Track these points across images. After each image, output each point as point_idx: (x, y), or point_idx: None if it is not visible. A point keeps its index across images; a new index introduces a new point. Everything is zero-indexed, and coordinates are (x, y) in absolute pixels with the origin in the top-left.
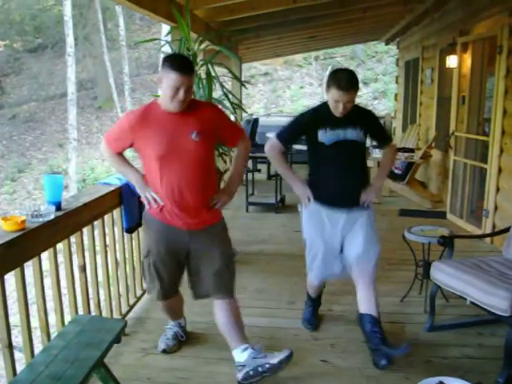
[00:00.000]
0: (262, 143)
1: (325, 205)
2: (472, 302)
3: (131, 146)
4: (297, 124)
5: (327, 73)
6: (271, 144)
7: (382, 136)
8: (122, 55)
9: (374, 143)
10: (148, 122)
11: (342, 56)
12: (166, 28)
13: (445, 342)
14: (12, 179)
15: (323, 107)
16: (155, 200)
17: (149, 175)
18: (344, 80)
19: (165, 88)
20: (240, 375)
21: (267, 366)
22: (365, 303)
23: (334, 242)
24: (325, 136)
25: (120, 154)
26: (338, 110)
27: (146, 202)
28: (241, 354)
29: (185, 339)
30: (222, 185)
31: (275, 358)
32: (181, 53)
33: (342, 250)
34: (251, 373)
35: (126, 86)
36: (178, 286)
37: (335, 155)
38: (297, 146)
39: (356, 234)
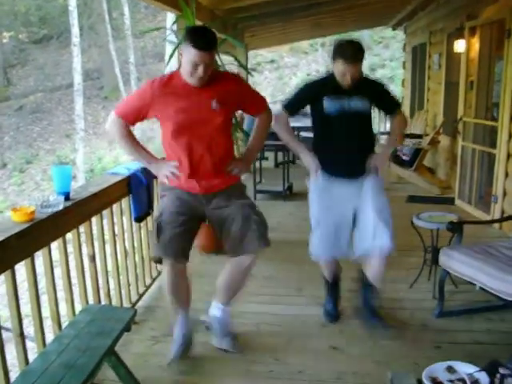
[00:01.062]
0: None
1: (332, 176)
2: (481, 288)
3: (145, 117)
4: (303, 91)
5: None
6: (277, 115)
7: (390, 104)
8: (128, 44)
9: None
10: (169, 91)
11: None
12: (171, 16)
13: (454, 327)
14: (20, 170)
15: (329, 78)
16: (173, 173)
17: (168, 142)
18: (349, 52)
19: (184, 62)
20: (202, 318)
21: (214, 335)
22: (371, 275)
23: (345, 216)
24: (331, 105)
25: (131, 134)
26: (345, 81)
27: (164, 179)
28: (214, 309)
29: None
30: None
31: (221, 342)
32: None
33: (354, 223)
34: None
35: (131, 75)
36: (183, 251)
37: (341, 125)
38: (303, 134)
39: (367, 210)
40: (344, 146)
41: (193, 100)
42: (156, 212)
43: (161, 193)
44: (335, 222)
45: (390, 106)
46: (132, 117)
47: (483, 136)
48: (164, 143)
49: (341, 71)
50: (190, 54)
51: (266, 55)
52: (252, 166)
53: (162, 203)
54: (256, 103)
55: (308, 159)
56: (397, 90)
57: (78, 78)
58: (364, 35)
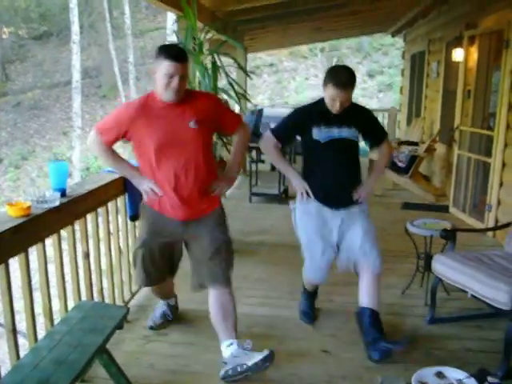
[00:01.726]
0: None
1: (320, 203)
2: (473, 295)
3: (123, 137)
4: (292, 122)
5: (333, 64)
6: (266, 138)
7: (378, 133)
8: (128, 44)
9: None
10: (146, 113)
11: (348, 48)
12: (171, 17)
13: (445, 334)
14: (16, 166)
15: (319, 104)
16: (153, 190)
17: (146, 166)
18: (341, 78)
19: (159, 77)
20: (221, 372)
21: (245, 366)
22: (366, 296)
23: (331, 240)
24: (320, 133)
25: (111, 148)
26: (334, 107)
27: (144, 194)
28: (225, 350)
29: (172, 319)
30: None
31: (252, 359)
32: (185, 42)
33: (338, 249)
34: (230, 372)
35: (130, 74)
36: (164, 276)
37: (329, 153)
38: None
39: (355, 227)
40: (332, 173)
41: (170, 120)
42: (138, 236)
43: (142, 213)
44: (323, 247)
45: (377, 135)
46: (110, 136)
47: (479, 145)
48: (144, 170)
49: (331, 96)
50: (163, 67)
51: (266, 58)
52: (247, 169)
53: (143, 229)
54: (232, 120)
55: (297, 182)
56: (395, 96)
57: (76, 76)
58: (363, 42)
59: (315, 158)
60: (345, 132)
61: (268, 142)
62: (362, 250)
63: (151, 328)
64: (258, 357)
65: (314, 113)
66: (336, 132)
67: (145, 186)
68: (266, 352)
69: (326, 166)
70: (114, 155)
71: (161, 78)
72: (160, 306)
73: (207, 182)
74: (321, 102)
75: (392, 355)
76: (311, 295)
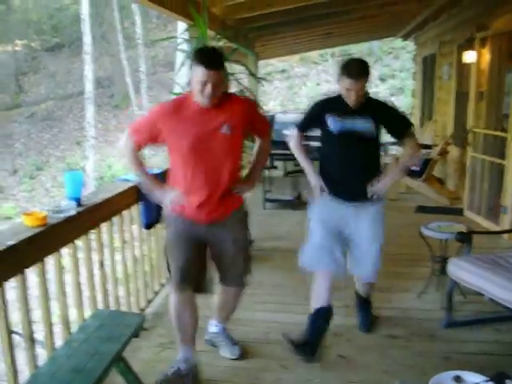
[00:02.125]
0: (278, 140)
1: (331, 195)
2: (490, 298)
3: (155, 140)
4: (311, 109)
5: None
6: (291, 134)
7: (399, 126)
8: (139, 53)
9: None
10: (179, 115)
11: (359, 53)
12: (182, 26)
13: (462, 338)
14: (30, 177)
15: (337, 97)
16: (177, 198)
17: (175, 168)
18: (354, 68)
19: (193, 82)
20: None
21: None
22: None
23: (339, 233)
24: (333, 123)
25: (139, 155)
26: (350, 98)
27: (167, 204)
28: (211, 327)
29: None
30: None
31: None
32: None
33: (346, 244)
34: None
35: (142, 84)
36: (196, 277)
37: (341, 144)
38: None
39: (361, 229)
40: (344, 166)
41: (203, 124)
42: (166, 243)
43: (166, 222)
44: (330, 235)
45: (398, 127)
46: (142, 137)
47: (493, 147)
48: (172, 169)
49: (345, 87)
50: (198, 72)
51: (277, 65)
52: (262, 175)
53: (168, 233)
54: (262, 126)
55: (312, 180)
56: (406, 100)
57: (89, 86)
58: (373, 46)
59: (329, 149)
60: (359, 124)
61: (294, 138)
62: (360, 262)
63: None
64: (234, 352)
65: (330, 103)
66: (349, 123)
67: (168, 198)
68: (236, 352)
69: (339, 159)
70: (141, 163)
71: (195, 84)
72: (176, 363)
73: (232, 185)
74: (339, 95)
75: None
76: (319, 318)
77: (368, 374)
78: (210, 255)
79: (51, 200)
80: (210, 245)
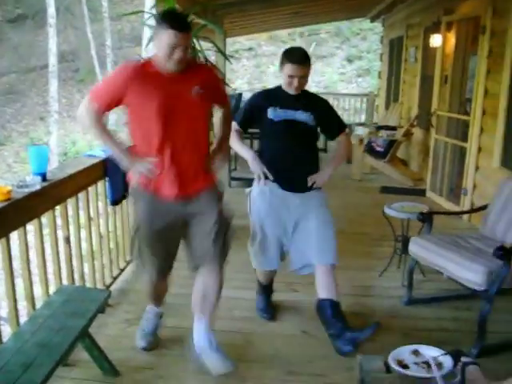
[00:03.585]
0: None
1: (274, 183)
2: (449, 277)
3: (118, 103)
4: (249, 104)
5: (311, 49)
6: (232, 129)
7: (334, 124)
8: (105, 27)
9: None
10: (145, 80)
11: (327, 32)
12: (149, 0)
13: (422, 315)
14: None
15: (276, 89)
16: (149, 169)
17: (141, 138)
18: (297, 54)
19: (160, 46)
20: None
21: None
22: (324, 288)
23: (285, 225)
24: (274, 113)
25: (102, 121)
26: (292, 85)
27: (136, 175)
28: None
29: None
30: None
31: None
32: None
33: (291, 235)
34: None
35: (108, 58)
36: (171, 264)
37: (283, 133)
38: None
39: (309, 217)
40: (284, 154)
41: (171, 88)
42: (133, 223)
43: (133, 198)
44: (274, 232)
45: (335, 125)
46: (106, 103)
47: (456, 130)
48: (135, 137)
49: (288, 74)
50: (166, 37)
51: (244, 43)
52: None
53: (138, 214)
54: (224, 95)
55: (254, 163)
56: (373, 81)
57: (53, 60)
58: (342, 27)
59: (269, 138)
60: (299, 114)
61: (233, 133)
62: (317, 242)
63: (145, 349)
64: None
65: (271, 95)
66: (290, 114)
67: (139, 166)
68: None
69: (279, 146)
70: (105, 131)
71: (163, 48)
72: (149, 318)
73: (204, 155)
74: (279, 87)
75: (361, 344)
76: (266, 289)
77: (330, 350)
78: (186, 237)
79: (14, 176)
80: (187, 223)
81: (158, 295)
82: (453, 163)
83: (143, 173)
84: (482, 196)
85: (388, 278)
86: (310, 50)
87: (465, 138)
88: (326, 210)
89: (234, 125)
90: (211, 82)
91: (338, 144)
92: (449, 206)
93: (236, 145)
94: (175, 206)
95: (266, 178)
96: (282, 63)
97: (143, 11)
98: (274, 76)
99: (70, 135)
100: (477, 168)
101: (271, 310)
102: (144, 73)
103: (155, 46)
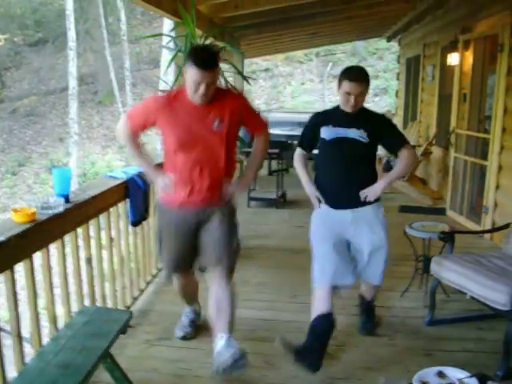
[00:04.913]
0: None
1: (328, 204)
2: (472, 297)
3: (151, 125)
4: (308, 125)
5: (328, 69)
6: (295, 153)
7: (394, 140)
8: (123, 50)
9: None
10: (173, 108)
11: (343, 53)
12: (167, 23)
13: (444, 335)
14: (12, 173)
15: (332, 108)
16: (166, 184)
17: (167, 158)
18: (355, 72)
19: (187, 81)
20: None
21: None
22: (367, 293)
23: (342, 243)
24: (327, 132)
25: (136, 138)
26: (349, 103)
27: (159, 189)
28: (218, 343)
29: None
30: None
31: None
32: (185, 49)
33: (350, 252)
34: (217, 370)
35: (126, 80)
36: (191, 263)
37: (335, 153)
38: None
39: (364, 240)
40: (337, 174)
41: (195, 118)
42: (156, 227)
43: (157, 207)
44: (333, 250)
45: (394, 141)
46: (138, 124)
47: (475, 148)
48: (164, 157)
49: (345, 91)
50: (191, 72)
51: (261, 64)
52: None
53: (159, 222)
54: (257, 124)
55: (307, 188)
56: (390, 100)
57: (73, 82)
58: (358, 46)
59: (323, 158)
60: (352, 133)
61: (296, 155)
62: (367, 267)
63: (183, 338)
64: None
65: (326, 114)
66: (343, 131)
67: (160, 181)
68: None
69: (331, 165)
70: (137, 146)
71: (189, 83)
72: (187, 314)
73: (222, 178)
74: (337, 106)
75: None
76: (321, 336)
77: (352, 371)
78: (198, 241)
79: (34, 197)
80: (200, 228)
81: (188, 295)
82: (473, 182)
83: (162, 186)
84: (503, 214)
85: (409, 299)
86: (327, 70)
87: (484, 156)
88: (380, 228)
89: (297, 151)
90: (237, 112)
91: (398, 159)
92: (470, 224)
93: (298, 167)
94: (190, 215)
95: (319, 201)
96: (340, 81)
97: (163, 34)
98: (291, 96)
99: (89, 156)
100: (497, 186)
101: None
102: (173, 103)
103: (185, 78)
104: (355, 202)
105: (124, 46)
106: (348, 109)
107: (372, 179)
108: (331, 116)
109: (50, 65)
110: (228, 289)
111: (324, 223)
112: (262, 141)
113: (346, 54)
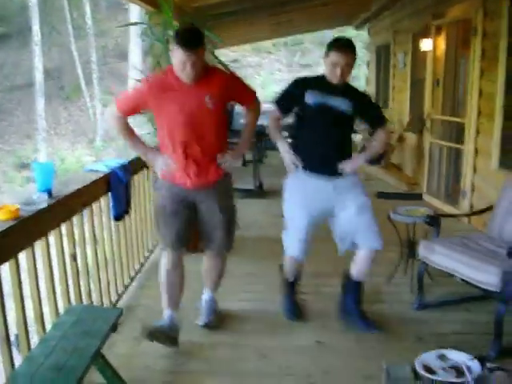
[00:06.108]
0: (236, 129)
1: (307, 171)
2: (462, 279)
3: (143, 108)
4: (290, 86)
5: (296, 58)
6: (270, 114)
7: (374, 117)
8: (90, 44)
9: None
10: (165, 88)
11: (311, 43)
12: (134, 16)
13: (434, 319)
14: None
15: (319, 76)
16: (167, 166)
17: (162, 138)
18: (342, 43)
19: (174, 62)
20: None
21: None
22: (360, 272)
23: (318, 213)
24: (312, 97)
25: (127, 124)
26: (335, 73)
27: (158, 170)
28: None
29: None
30: None
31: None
32: (161, 36)
33: (331, 221)
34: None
35: (94, 74)
36: (186, 239)
37: (319, 119)
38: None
39: (347, 203)
40: (320, 140)
41: (187, 96)
42: (154, 206)
43: (155, 186)
44: (309, 221)
45: (374, 118)
46: (130, 109)
47: (450, 132)
48: (159, 136)
49: (332, 62)
50: (177, 53)
51: (229, 54)
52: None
53: (157, 199)
54: (246, 96)
55: (285, 154)
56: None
57: (39, 77)
58: (326, 35)
59: (304, 123)
60: (338, 102)
61: (271, 116)
62: (360, 227)
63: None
64: (206, 320)
65: (311, 80)
66: (329, 100)
67: (159, 162)
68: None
69: (314, 132)
70: (131, 133)
71: (175, 63)
72: (164, 319)
73: (216, 153)
74: (321, 75)
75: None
76: (292, 287)
77: (346, 359)
78: (196, 219)
79: (3, 196)
80: (198, 209)
81: (173, 285)
82: (449, 166)
83: (163, 168)
84: (481, 198)
85: (396, 284)
86: (296, 60)
87: (460, 141)
88: (363, 195)
89: (273, 111)
90: (226, 87)
91: (377, 136)
92: (447, 208)
93: (272, 130)
94: (188, 192)
95: (296, 166)
96: (327, 52)
97: (138, 23)
98: (261, 87)
99: (57, 152)
100: (475, 170)
101: (297, 310)
102: (164, 83)
103: (172, 59)
104: (335, 171)
105: (90, 39)
106: (335, 80)
107: (349, 145)
108: (317, 83)
109: (15, 60)
110: (220, 261)
111: (300, 191)
112: (253, 112)
113: (314, 43)
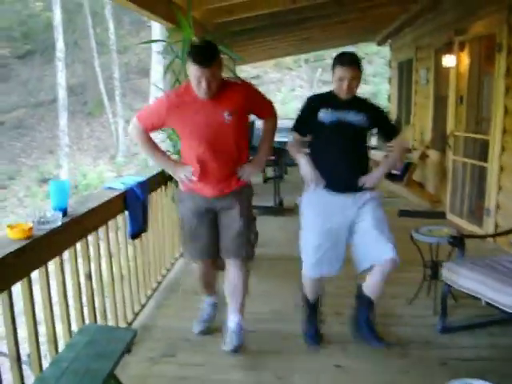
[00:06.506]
0: (256, 145)
1: (325, 189)
2: (487, 302)
3: (161, 126)
4: (303, 109)
5: (317, 75)
6: (290, 139)
7: (389, 128)
8: (112, 60)
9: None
10: (183, 105)
11: (332, 58)
12: (156, 32)
13: (458, 343)
14: (2, 186)
15: (328, 93)
16: (187, 177)
17: (184, 152)
18: (346, 57)
19: (190, 78)
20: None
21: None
22: (371, 286)
23: (338, 230)
24: (325, 115)
25: (149, 138)
26: (342, 88)
27: (179, 181)
28: (230, 322)
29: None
30: None
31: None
32: (182, 54)
33: (350, 238)
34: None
35: (116, 91)
36: (214, 249)
37: (334, 136)
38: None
39: (365, 218)
40: (336, 158)
41: (205, 112)
42: (179, 217)
43: (179, 197)
44: (327, 238)
45: (389, 129)
46: (150, 125)
47: (473, 150)
48: (181, 150)
49: (338, 76)
50: (192, 69)
51: (251, 71)
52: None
53: (181, 210)
54: (264, 108)
55: (306, 169)
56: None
57: (62, 93)
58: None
59: (320, 142)
60: (351, 116)
61: (290, 140)
62: (377, 249)
63: (201, 333)
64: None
65: (323, 97)
66: (342, 115)
67: (181, 174)
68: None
69: (330, 149)
70: (152, 145)
71: (191, 80)
72: (204, 308)
73: (236, 165)
74: (329, 92)
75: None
76: (314, 309)
77: (365, 383)
78: (217, 226)
79: (25, 210)
80: (219, 216)
81: (208, 282)
82: (472, 184)
83: (183, 179)
84: (506, 216)
85: (418, 306)
86: (317, 76)
87: (484, 158)
88: (380, 213)
89: (292, 134)
90: (243, 100)
91: (394, 147)
92: (471, 227)
93: (293, 150)
94: (210, 201)
95: (319, 182)
96: (333, 68)
97: (159, 40)
98: (282, 103)
99: (79, 168)
100: (499, 188)
101: (317, 336)
102: (182, 101)
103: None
104: (355, 186)
105: (113, 56)
106: (342, 94)
107: (366, 160)
108: (328, 99)
109: (39, 76)
110: (242, 271)
111: (318, 208)
112: (270, 122)
113: None
